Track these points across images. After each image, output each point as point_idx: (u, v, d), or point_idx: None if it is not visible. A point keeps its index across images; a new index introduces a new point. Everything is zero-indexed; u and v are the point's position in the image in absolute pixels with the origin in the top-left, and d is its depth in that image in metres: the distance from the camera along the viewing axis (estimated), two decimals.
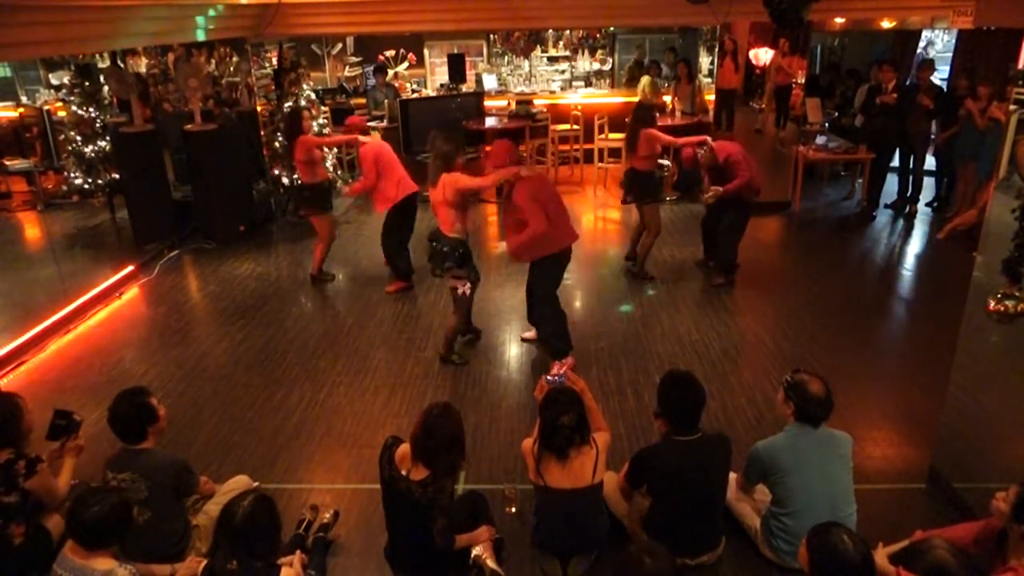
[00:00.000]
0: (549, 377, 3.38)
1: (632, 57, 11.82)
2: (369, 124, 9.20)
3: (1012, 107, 3.23)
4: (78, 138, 8.03)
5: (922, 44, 11.33)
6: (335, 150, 9.01)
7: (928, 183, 8.61)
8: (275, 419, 4.59)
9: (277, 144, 8.31)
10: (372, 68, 10.75)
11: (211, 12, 6.66)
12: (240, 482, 3.59)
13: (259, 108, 8.81)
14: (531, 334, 5.46)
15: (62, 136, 8.51)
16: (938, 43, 12.61)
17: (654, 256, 6.91)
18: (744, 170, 5.99)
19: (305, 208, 6.88)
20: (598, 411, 3.45)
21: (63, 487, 3.20)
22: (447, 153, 4.84)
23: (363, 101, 10.80)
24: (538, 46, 12.45)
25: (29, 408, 3.19)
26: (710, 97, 9.87)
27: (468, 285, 4.99)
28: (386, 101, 9.79)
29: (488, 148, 9.56)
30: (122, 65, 8.11)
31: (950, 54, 10.41)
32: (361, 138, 6.46)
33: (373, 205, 6.57)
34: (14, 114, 9.46)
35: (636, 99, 10.51)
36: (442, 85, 11.26)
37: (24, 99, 10.17)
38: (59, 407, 3.36)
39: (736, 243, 6.42)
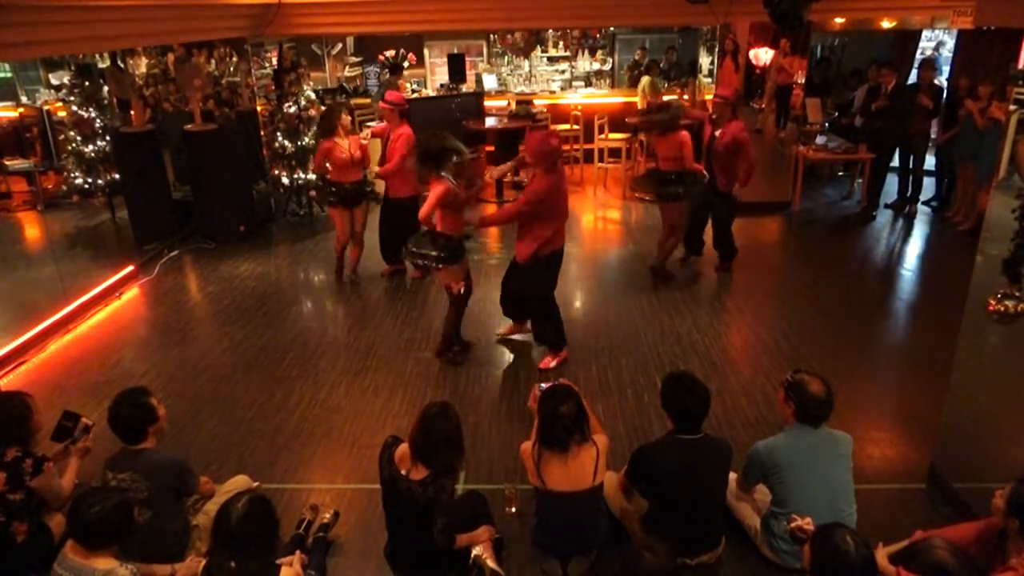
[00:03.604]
0: (543, 385, 3.40)
1: (632, 57, 11.83)
2: (369, 125, 9.21)
3: (1012, 107, 3.23)
4: (78, 138, 8.03)
5: (931, 44, 11.31)
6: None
7: (928, 183, 8.61)
8: (275, 419, 4.59)
9: (277, 144, 8.30)
10: (388, 67, 10.75)
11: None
12: (240, 482, 3.58)
13: (259, 108, 8.81)
14: (505, 328, 5.53)
15: (62, 136, 8.51)
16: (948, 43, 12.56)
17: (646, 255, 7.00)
18: (750, 148, 6.23)
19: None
20: (595, 418, 3.44)
21: (67, 487, 3.21)
22: (435, 156, 4.71)
23: (365, 101, 10.80)
24: (538, 46, 12.44)
25: (38, 407, 3.20)
26: (709, 97, 9.86)
27: (462, 284, 4.98)
28: None
29: (489, 148, 9.58)
30: (122, 65, 8.11)
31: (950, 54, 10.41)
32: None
33: (395, 190, 6.43)
34: (14, 114, 9.47)
35: (636, 99, 10.57)
36: (442, 85, 11.26)
37: (24, 99, 10.16)
38: (68, 408, 3.39)
39: (730, 231, 6.70)
